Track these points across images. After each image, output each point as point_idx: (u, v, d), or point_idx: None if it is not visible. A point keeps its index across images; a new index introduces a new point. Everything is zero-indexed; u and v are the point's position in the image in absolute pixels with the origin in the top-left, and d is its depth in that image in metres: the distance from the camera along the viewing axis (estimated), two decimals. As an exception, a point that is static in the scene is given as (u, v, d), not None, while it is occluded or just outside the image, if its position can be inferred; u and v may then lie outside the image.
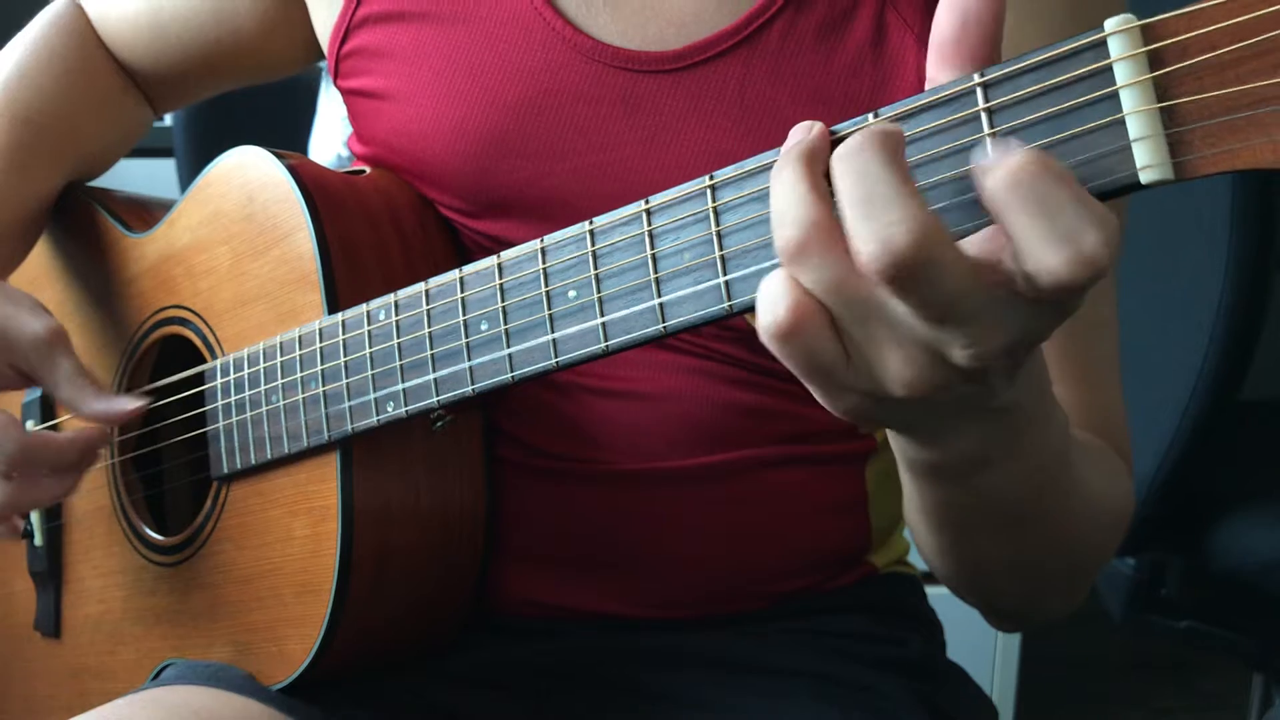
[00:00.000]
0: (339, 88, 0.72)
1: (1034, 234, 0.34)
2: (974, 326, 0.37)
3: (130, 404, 0.66)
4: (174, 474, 0.75)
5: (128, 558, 0.74)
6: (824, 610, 0.70)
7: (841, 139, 0.41)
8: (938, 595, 0.78)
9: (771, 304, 0.39)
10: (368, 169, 0.70)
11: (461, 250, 0.68)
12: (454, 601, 0.67)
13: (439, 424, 0.62)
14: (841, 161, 0.37)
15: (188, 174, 1.37)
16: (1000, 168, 0.35)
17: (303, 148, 1.30)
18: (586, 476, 0.67)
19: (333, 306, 0.61)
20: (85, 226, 0.80)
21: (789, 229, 0.38)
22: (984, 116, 0.38)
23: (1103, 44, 0.35)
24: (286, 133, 1.27)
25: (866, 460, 0.70)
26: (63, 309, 0.80)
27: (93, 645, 0.76)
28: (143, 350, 0.74)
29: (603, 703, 0.67)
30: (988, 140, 0.38)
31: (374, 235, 0.65)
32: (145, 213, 0.79)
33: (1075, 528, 0.55)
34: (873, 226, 0.36)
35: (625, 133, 0.63)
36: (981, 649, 1.61)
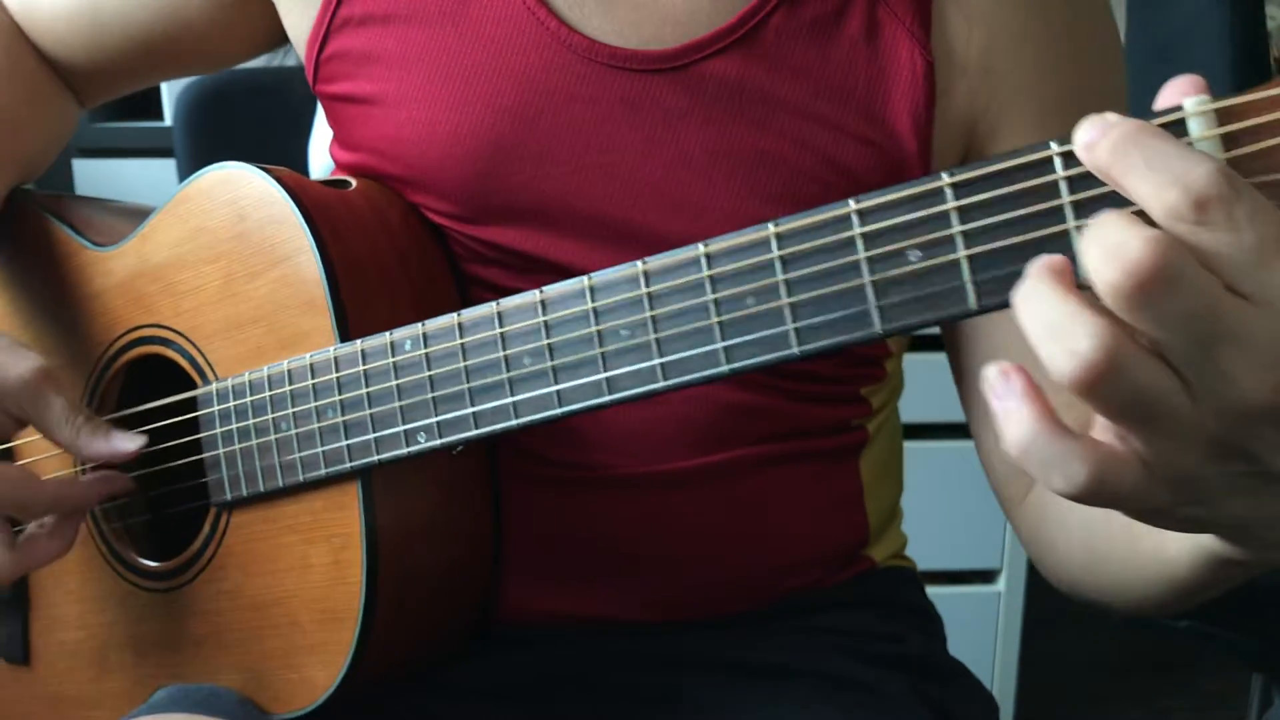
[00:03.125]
0: (318, 93, 0.70)
1: (1146, 184, 0.35)
2: (1241, 347, 0.35)
3: (132, 444, 0.64)
4: (160, 498, 0.72)
5: (110, 584, 0.71)
6: (824, 607, 0.72)
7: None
8: (937, 593, 0.81)
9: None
10: (353, 181, 0.68)
11: (451, 258, 0.68)
12: (465, 615, 0.68)
13: (459, 448, 0.62)
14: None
15: (187, 174, 1.30)
16: (1102, 139, 0.36)
17: (303, 147, 1.25)
18: (583, 482, 0.68)
19: (343, 332, 0.61)
20: (35, 237, 0.76)
21: (1085, 348, 0.34)
22: (1063, 185, 0.40)
23: (1181, 123, 0.38)
24: (287, 132, 1.22)
25: (860, 453, 0.73)
26: (12, 323, 0.76)
27: (71, 673, 0.74)
28: (114, 370, 0.71)
29: (603, 707, 0.68)
30: (1067, 208, 0.40)
31: (373, 253, 0.64)
32: (101, 222, 0.76)
33: None
34: (1107, 249, 0.34)
35: (625, 133, 0.63)
36: (981, 648, 1.62)
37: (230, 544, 0.66)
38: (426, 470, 0.63)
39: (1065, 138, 0.40)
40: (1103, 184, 0.39)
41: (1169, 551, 0.49)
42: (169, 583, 0.69)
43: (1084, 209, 0.40)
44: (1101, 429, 0.38)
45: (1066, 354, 0.35)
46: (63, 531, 0.64)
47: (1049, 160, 0.40)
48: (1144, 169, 0.36)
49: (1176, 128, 0.38)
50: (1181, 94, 0.38)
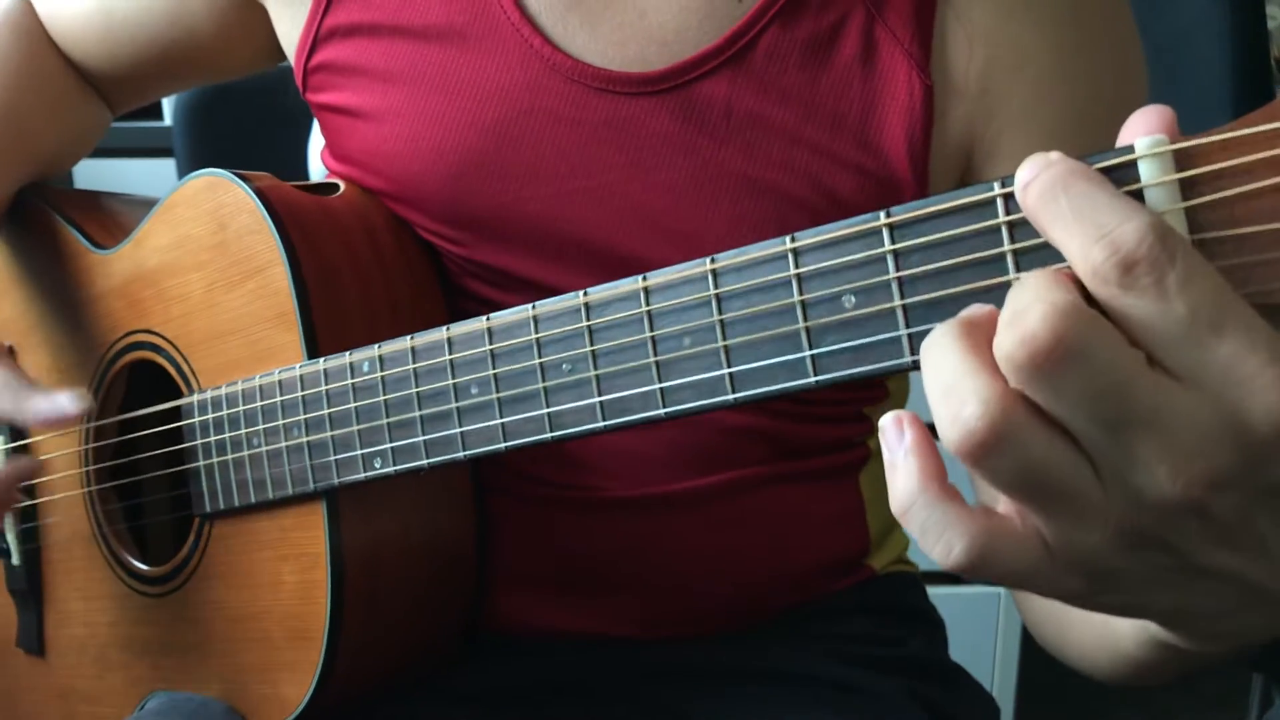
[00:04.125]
0: (308, 101, 0.69)
1: (1071, 237, 0.31)
2: (1155, 438, 0.30)
3: (74, 403, 0.63)
4: (155, 504, 0.73)
5: (111, 585, 0.72)
6: (823, 615, 0.70)
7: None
8: (937, 593, 0.78)
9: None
10: (341, 185, 0.67)
11: (442, 271, 0.66)
12: (448, 631, 0.66)
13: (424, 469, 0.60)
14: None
15: (187, 174, 1.32)
16: (1034, 181, 0.32)
17: (302, 148, 1.25)
18: (581, 504, 0.66)
19: (311, 348, 0.59)
20: (44, 235, 0.76)
21: (969, 414, 0.31)
22: (1004, 230, 0.36)
23: (1132, 165, 0.34)
24: (286, 133, 1.22)
25: (861, 469, 0.70)
26: (22, 323, 0.77)
27: (79, 668, 0.76)
28: (113, 374, 0.71)
29: (600, 713, 0.68)
30: (1009, 256, 0.36)
31: (352, 264, 0.63)
32: (108, 220, 0.76)
33: None
34: (1005, 333, 0.31)
35: (609, 156, 0.60)
36: (981, 649, 1.60)
37: (212, 555, 0.66)
38: (399, 491, 0.61)
39: (1010, 177, 0.36)
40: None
41: (1118, 628, 0.44)
42: (160, 588, 0.69)
43: (1028, 258, 0.36)
44: (1005, 501, 0.34)
45: (951, 418, 0.31)
46: None
47: (992, 202, 0.36)
48: (1070, 219, 0.31)
49: (1129, 170, 0.34)
50: (1141, 130, 0.34)
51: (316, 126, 1.29)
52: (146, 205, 0.73)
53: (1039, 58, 0.57)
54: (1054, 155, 0.33)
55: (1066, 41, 0.58)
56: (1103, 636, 0.47)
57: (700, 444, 0.65)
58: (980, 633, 1.59)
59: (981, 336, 0.33)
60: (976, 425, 0.31)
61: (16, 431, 0.77)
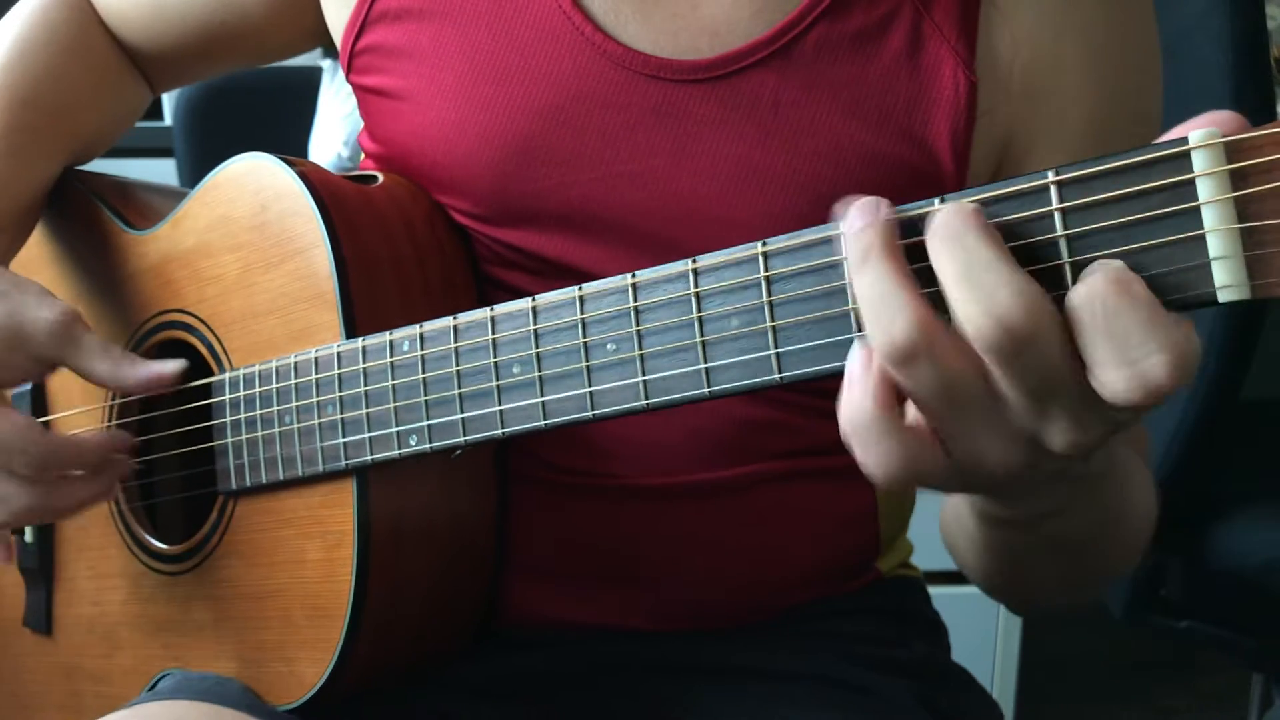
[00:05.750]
0: (352, 83, 0.70)
1: (1103, 355, 0.36)
2: (1073, 412, 0.38)
3: (172, 367, 0.64)
4: (174, 482, 0.73)
5: (125, 563, 0.73)
6: (828, 615, 0.71)
7: (910, 219, 0.40)
8: (937, 593, 0.79)
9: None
10: (380, 176, 0.68)
11: (474, 260, 0.67)
12: (464, 618, 0.67)
13: (457, 452, 0.61)
14: (942, 242, 0.38)
15: (188, 174, 1.33)
16: (1082, 285, 0.35)
17: (302, 148, 1.26)
18: (598, 491, 0.66)
19: (350, 328, 0.60)
20: (80, 215, 0.77)
21: (898, 330, 0.38)
22: (1057, 216, 0.37)
23: (1185, 156, 0.35)
24: (286, 133, 1.24)
25: None
26: (55, 299, 0.78)
27: (87, 647, 0.76)
28: (143, 351, 0.72)
29: (605, 707, 0.68)
30: (1061, 242, 0.37)
31: (390, 251, 0.64)
32: (142, 205, 0.77)
33: (1124, 542, 0.58)
34: (981, 300, 0.37)
35: (655, 142, 0.62)
36: (981, 649, 1.62)
37: (234, 533, 0.66)
38: (428, 473, 0.62)
39: (1064, 167, 0.37)
40: (1098, 219, 0.37)
41: (963, 511, 0.53)
42: (177, 566, 0.69)
43: (1078, 244, 0.37)
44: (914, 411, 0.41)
45: (882, 331, 0.38)
46: (101, 478, 0.65)
47: (1045, 189, 0.38)
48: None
49: (1182, 161, 0.35)
50: (1200, 125, 0.36)
51: (316, 126, 1.31)
52: (180, 195, 0.74)
53: (1075, 63, 0.60)
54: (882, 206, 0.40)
55: (1100, 47, 0.60)
56: (962, 524, 0.55)
57: (719, 436, 0.65)
58: (980, 633, 1.61)
59: (903, 259, 0.39)
60: (903, 343, 0.38)
61: (38, 406, 0.78)
